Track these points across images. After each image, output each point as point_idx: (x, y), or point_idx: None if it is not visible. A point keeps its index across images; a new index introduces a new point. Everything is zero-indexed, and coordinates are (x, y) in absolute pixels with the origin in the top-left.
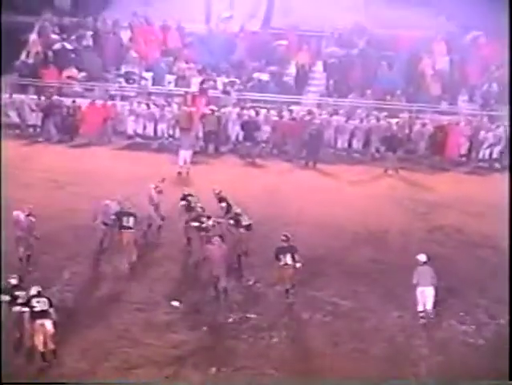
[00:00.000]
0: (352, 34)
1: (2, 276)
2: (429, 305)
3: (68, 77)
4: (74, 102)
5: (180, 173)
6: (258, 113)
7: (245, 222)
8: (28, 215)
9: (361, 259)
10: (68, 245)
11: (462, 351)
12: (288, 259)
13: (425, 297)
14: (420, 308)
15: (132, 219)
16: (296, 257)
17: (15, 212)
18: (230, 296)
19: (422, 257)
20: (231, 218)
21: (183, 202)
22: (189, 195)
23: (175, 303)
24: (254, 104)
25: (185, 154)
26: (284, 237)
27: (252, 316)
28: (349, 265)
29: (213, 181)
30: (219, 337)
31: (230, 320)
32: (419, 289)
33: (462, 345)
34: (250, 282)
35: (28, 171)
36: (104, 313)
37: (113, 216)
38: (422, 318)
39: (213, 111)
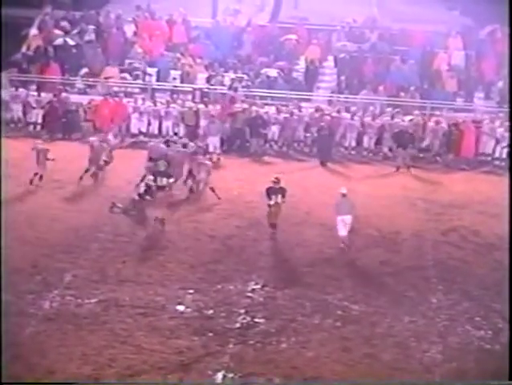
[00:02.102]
0: (364, 28)
1: (2, 276)
2: (345, 231)
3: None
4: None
5: (210, 159)
6: (279, 110)
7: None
8: (101, 141)
9: (372, 261)
10: (70, 247)
11: (478, 357)
12: (279, 199)
13: (345, 224)
14: (342, 233)
15: (165, 179)
16: (284, 197)
17: (91, 138)
18: (237, 300)
19: (343, 190)
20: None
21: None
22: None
23: (180, 307)
24: (263, 101)
25: (213, 140)
26: (275, 180)
27: (260, 320)
28: (360, 267)
29: (221, 179)
30: (225, 342)
31: (237, 325)
32: (339, 218)
33: (478, 351)
34: (258, 286)
35: (29, 169)
36: (107, 317)
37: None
38: (343, 242)
39: (244, 109)
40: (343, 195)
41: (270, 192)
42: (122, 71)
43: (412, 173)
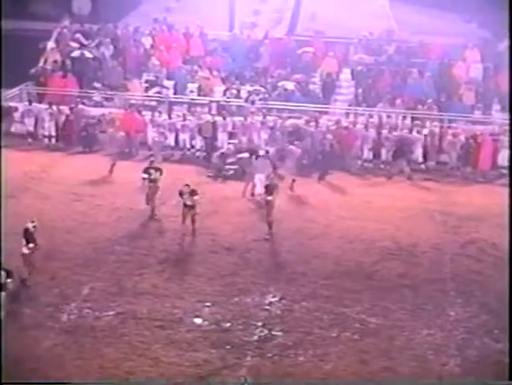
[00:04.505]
0: (381, 41)
1: (1, 274)
2: (262, 189)
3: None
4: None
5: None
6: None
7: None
8: None
9: (390, 274)
10: (87, 260)
11: (496, 370)
12: (276, 192)
13: (263, 182)
14: (258, 190)
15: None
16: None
17: None
18: (254, 313)
19: (261, 152)
20: None
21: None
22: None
23: (197, 320)
24: (281, 114)
25: None
26: (269, 175)
27: (277, 333)
28: (378, 280)
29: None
30: (243, 355)
31: (255, 338)
32: (257, 176)
33: (496, 364)
34: (276, 298)
35: (46, 182)
36: (124, 330)
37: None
38: (257, 195)
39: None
40: (262, 156)
41: (268, 188)
42: (139, 84)
43: (430, 187)
